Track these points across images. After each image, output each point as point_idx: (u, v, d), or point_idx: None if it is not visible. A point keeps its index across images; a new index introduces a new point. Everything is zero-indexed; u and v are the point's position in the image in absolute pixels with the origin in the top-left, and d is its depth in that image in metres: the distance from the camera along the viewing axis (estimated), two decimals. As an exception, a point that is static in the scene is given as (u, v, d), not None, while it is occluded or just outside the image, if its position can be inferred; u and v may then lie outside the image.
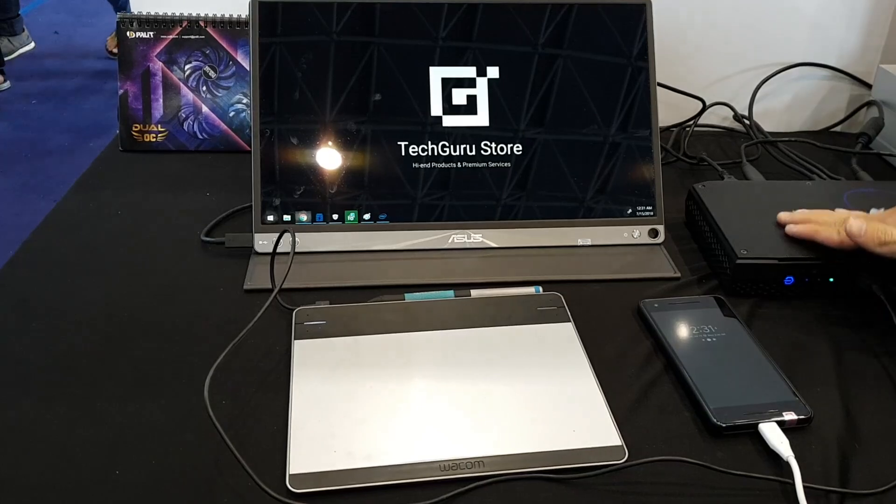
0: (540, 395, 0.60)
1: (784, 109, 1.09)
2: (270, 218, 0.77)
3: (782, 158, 0.96)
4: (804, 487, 0.52)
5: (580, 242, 0.79)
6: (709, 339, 0.66)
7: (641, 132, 0.80)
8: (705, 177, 0.92)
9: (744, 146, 0.95)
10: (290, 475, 0.53)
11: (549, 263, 0.76)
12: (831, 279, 0.71)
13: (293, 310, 0.68)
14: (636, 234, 0.79)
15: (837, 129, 1.10)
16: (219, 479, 0.53)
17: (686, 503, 0.53)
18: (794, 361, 0.65)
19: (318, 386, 0.61)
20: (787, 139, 0.98)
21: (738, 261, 0.71)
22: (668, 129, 1.04)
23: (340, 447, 0.55)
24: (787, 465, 0.54)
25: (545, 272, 0.75)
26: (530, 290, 0.71)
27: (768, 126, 1.06)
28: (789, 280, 0.71)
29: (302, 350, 0.64)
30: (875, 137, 0.99)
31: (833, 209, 0.77)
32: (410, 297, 0.71)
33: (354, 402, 0.59)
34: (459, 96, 0.79)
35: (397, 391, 0.60)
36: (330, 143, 0.77)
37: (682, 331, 0.67)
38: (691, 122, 1.04)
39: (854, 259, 0.70)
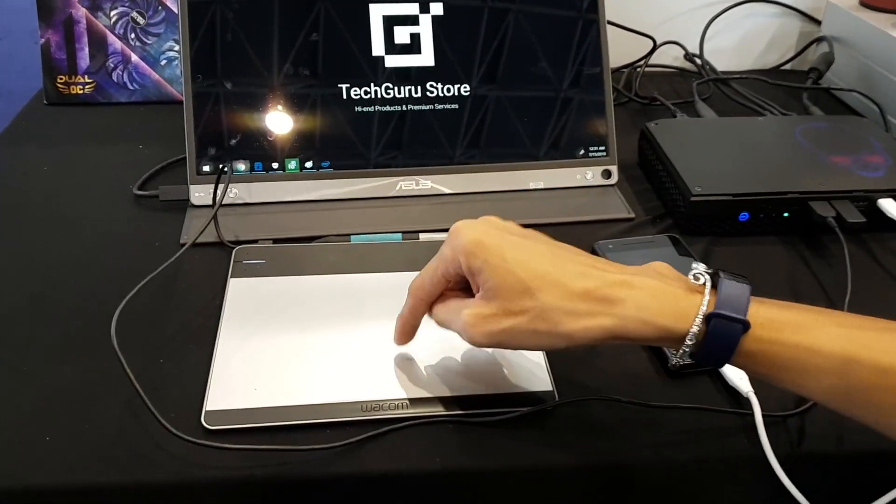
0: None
1: (735, 48, 1.08)
2: (206, 168, 0.73)
3: (734, 96, 0.95)
4: (763, 416, 0.51)
5: (532, 186, 0.76)
6: (665, 278, 0.64)
7: (592, 70, 0.77)
8: (658, 116, 0.90)
9: (695, 84, 0.93)
10: (205, 412, 0.51)
11: (501, 208, 0.72)
12: (786, 213, 0.70)
13: (232, 248, 0.65)
14: (589, 175, 0.77)
15: (788, 66, 1.08)
16: (137, 427, 0.51)
17: (628, 447, 0.51)
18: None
19: (247, 324, 0.58)
20: (738, 76, 0.96)
21: (693, 198, 0.69)
22: (619, 69, 1.02)
23: (263, 386, 0.53)
24: (747, 400, 0.53)
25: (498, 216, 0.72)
26: (482, 234, 0.69)
27: (720, 65, 1.04)
28: (744, 216, 0.70)
29: (237, 288, 0.61)
30: (825, 73, 0.98)
31: (786, 145, 0.76)
32: (356, 239, 0.68)
33: (283, 341, 0.57)
34: (402, 34, 0.75)
35: (330, 332, 0.58)
36: (267, 87, 0.73)
37: (638, 271, 0.65)
38: (642, 62, 1.02)
39: (808, 192, 0.69)
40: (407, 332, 0.54)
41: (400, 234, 0.68)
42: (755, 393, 0.53)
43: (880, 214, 0.69)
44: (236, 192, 0.72)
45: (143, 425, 0.50)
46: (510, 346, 0.48)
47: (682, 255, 0.67)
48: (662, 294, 0.45)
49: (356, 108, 0.74)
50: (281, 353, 0.55)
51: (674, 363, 0.56)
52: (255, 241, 0.67)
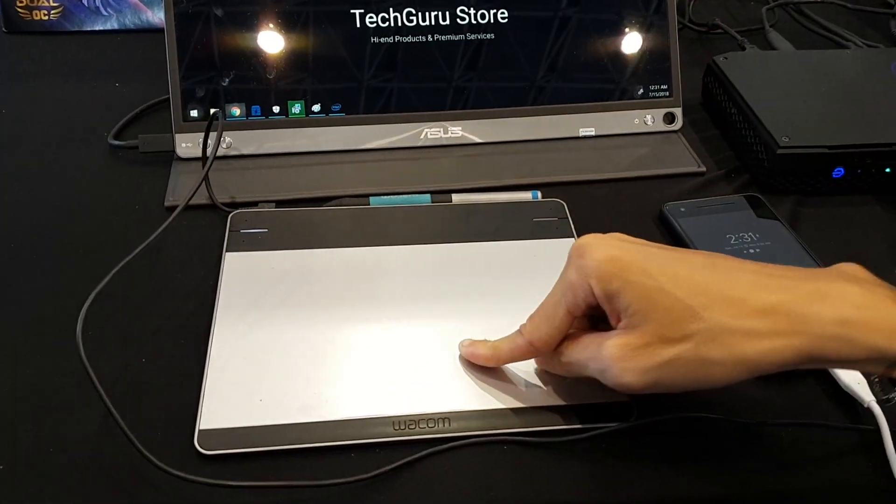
0: None
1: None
2: (194, 113, 0.60)
3: (805, 23, 0.81)
4: (892, 432, 0.41)
5: (583, 133, 0.64)
6: (751, 251, 0.53)
7: (652, -8, 0.65)
8: (719, 48, 0.77)
9: (765, 9, 0.80)
10: (199, 431, 0.40)
11: (545, 161, 0.62)
12: (888, 169, 0.59)
13: (228, 213, 0.54)
14: (649, 119, 0.65)
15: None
16: (116, 452, 0.40)
17: (718, 474, 0.41)
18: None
19: (249, 313, 0.47)
20: (812, 0, 0.83)
21: (780, 150, 0.57)
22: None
23: (269, 397, 0.42)
24: (868, 411, 0.43)
25: (542, 173, 0.60)
26: (526, 195, 0.58)
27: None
28: (839, 172, 0.59)
29: (234, 265, 0.50)
30: (915, -6, 0.84)
31: (883, 84, 0.64)
32: (376, 201, 0.56)
33: (294, 336, 0.46)
34: (427, -51, 0.62)
35: (350, 325, 0.47)
36: (265, 13, 0.60)
37: (718, 240, 0.54)
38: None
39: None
40: (489, 365, 0.44)
41: (429, 196, 0.57)
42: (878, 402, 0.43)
43: None
44: (230, 142, 0.60)
45: (123, 448, 0.40)
46: (672, 385, 0.38)
47: (766, 219, 0.56)
48: (868, 304, 0.36)
49: (372, 39, 0.62)
50: (291, 353, 0.45)
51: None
52: (255, 205, 0.56)
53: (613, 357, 0.37)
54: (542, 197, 0.57)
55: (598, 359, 0.39)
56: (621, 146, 0.64)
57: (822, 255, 0.53)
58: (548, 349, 0.42)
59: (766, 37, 0.75)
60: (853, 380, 0.44)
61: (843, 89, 0.64)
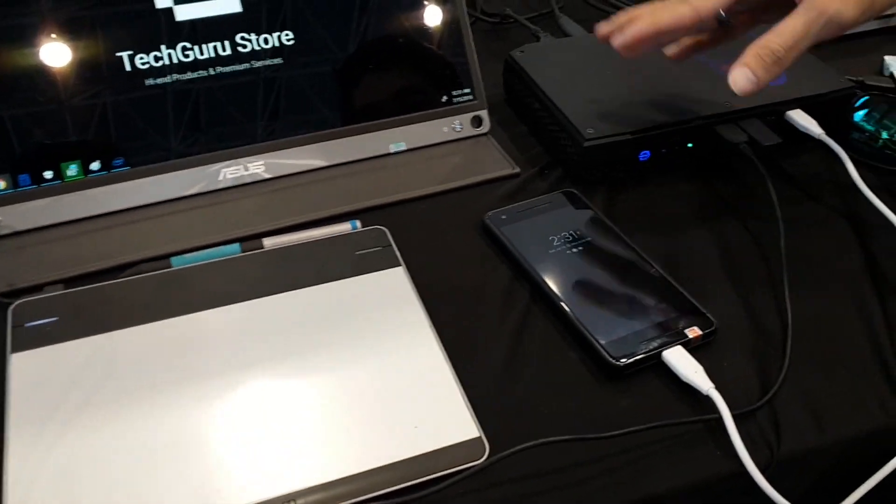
0: (366, 387, 0.43)
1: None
2: (-52, 193, 0.52)
3: (593, 1, 0.83)
4: (732, 416, 0.42)
5: (394, 149, 0.62)
6: (575, 250, 0.53)
7: (439, -6, 0.63)
8: (514, 39, 0.77)
9: (551, -7, 0.80)
10: None
11: (360, 185, 0.59)
12: (690, 144, 0.60)
13: (9, 305, 0.47)
14: (457, 125, 0.64)
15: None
16: None
17: (577, 493, 0.41)
18: (672, 256, 0.54)
19: (49, 425, 0.41)
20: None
21: (587, 143, 0.57)
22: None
23: None
24: (707, 398, 0.44)
25: (359, 198, 0.57)
26: (345, 226, 0.54)
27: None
28: (645, 155, 0.60)
29: (23, 368, 0.44)
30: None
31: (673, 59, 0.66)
32: (178, 261, 0.51)
33: (107, 441, 0.40)
34: (192, -25, 0.57)
35: (170, 413, 0.42)
36: (19, 59, 0.53)
37: (543, 244, 0.53)
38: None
39: (713, 116, 0.59)
40: (646, 38, 0.52)
41: (238, 245, 0.52)
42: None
43: (790, 128, 0.61)
44: (1, 221, 0.53)
45: None
46: (882, 4, 0.47)
47: (584, 212, 0.56)
48: None
49: (147, 82, 0.56)
50: (106, 460, 0.39)
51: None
52: (40, 288, 0.49)
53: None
54: (363, 225, 0.54)
55: (819, 13, 0.45)
56: (435, 157, 0.62)
57: (641, 238, 0.54)
58: (711, 12, 0.50)
59: (557, 22, 0.75)
60: (690, 369, 0.45)
61: (639, 69, 0.65)
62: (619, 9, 0.79)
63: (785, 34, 0.47)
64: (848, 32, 0.49)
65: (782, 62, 0.47)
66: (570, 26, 0.74)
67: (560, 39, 0.72)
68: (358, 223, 0.54)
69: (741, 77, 0.48)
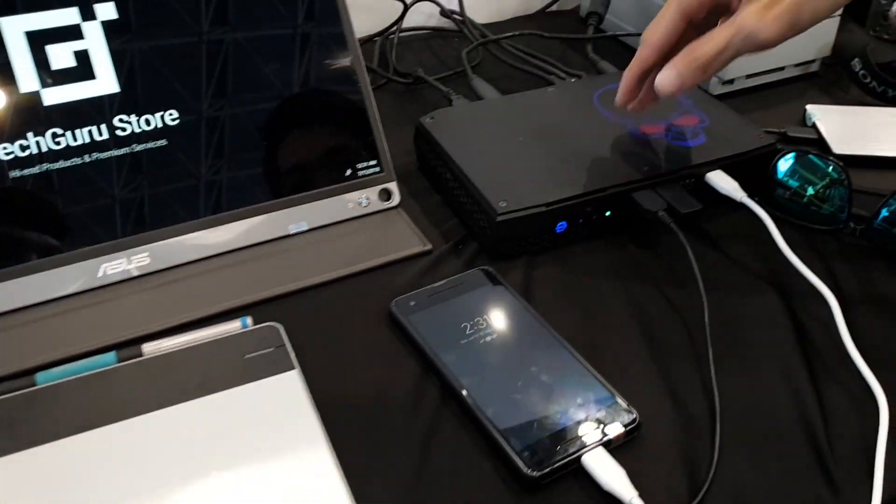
0: None
1: (492, -7, 0.94)
2: None
3: (504, 56, 0.80)
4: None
5: (293, 230, 0.57)
6: (488, 338, 0.49)
7: (339, 61, 0.59)
8: (426, 100, 0.74)
9: (465, 52, 0.77)
10: None
11: (256, 273, 0.54)
12: (608, 213, 0.57)
13: None
14: (364, 200, 0.59)
15: (553, 7, 0.96)
16: None
17: None
18: (592, 337, 0.50)
19: None
20: (510, 34, 0.81)
21: (499, 217, 0.54)
22: (369, 39, 0.84)
23: None
24: (632, 507, 0.40)
25: (253, 289, 0.52)
26: (234, 325, 0.49)
27: (479, 17, 0.89)
28: (561, 227, 0.56)
29: None
30: (605, 16, 0.85)
31: (589, 121, 0.63)
32: (45, 377, 0.46)
33: None
34: (62, 55, 0.52)
35: None
36: None
37: (454, 334, 0.49)
38: (395, 28, 0.85)
39: (630, 183, 0.56)
40: (631, 88, 0.55)
41: (114, 353, 0.47)
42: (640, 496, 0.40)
43: (710, 190, 0.58)
44: None
45: None
46: (805, 18, 0.47)
47: (496, 290, 0.52)
48: None
49: (13, 174, 0.51)
50: None
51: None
52: None
53: (749, 15, 0.47)
54: (255, 321, 0.50)
55: (733, 34, 0.47)
56: (339, 236, 0.58)
57: (559, 318, 0.50)
58: (659, 46, 0.52)
59: (470, 84, 0.72)
60: (613, 477, 0.41)
61: (554, 133, 0.62)
62: (534, 66, 0.77)
63: (710, 44, 0.49)
64: (773, 75, 0.57)
65: (706, 68, 0.50)
66: (482, 88, 0.70)
67: (473, 103, 0.68)
68: (249, 320, 0.49)
69: (666, 77, 0.50)
